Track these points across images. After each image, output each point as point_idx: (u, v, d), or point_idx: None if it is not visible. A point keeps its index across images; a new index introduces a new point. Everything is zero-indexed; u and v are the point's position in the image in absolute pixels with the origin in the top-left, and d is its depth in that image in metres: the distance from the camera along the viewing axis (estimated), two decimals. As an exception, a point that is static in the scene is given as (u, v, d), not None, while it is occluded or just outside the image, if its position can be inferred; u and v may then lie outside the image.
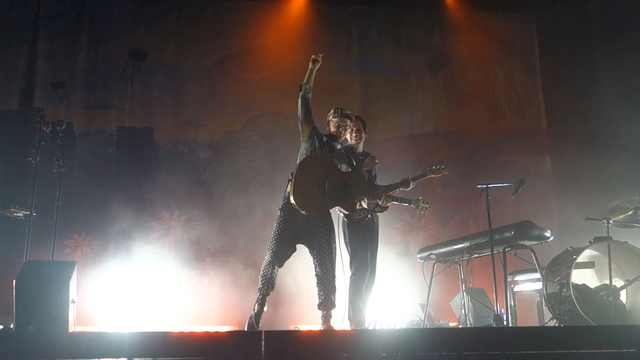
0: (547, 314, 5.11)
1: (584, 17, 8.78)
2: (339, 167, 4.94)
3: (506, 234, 5.13)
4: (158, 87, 8.36)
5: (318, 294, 4.69)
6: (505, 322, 5.03)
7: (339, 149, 5.05)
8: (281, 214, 4.76)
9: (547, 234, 5.13)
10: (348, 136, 5.22)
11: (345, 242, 5.09)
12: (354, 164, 5.13)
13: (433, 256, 6.06)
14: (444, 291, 6.82)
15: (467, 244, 5.55)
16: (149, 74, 8.36)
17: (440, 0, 8.78)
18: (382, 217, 7.82)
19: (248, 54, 8.49)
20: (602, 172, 7.69)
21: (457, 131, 8.69)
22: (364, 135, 5.32)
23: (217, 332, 5.18)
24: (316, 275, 4.71)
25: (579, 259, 4.83)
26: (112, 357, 3.38)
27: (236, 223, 7.88)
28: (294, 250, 4.82)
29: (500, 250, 5.17)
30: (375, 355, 3.35)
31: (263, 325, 4.59)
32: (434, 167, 5.47)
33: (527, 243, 5.15)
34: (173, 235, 7.88)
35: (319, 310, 4.70)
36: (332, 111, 5.13)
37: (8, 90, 8.03)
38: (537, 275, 5.18)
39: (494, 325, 4.82)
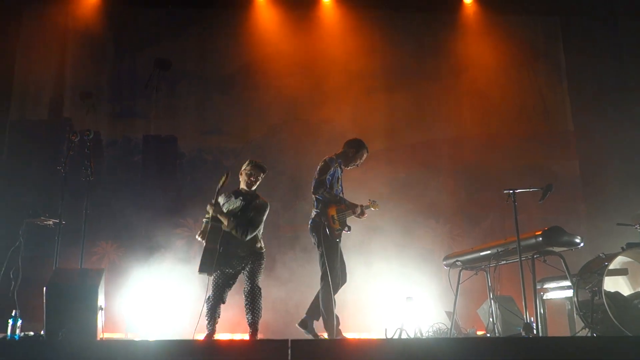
0: (579, 323, 5.00)
1: (610, 17, 8.64)
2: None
3: (534, 241, 5.03)
4: (182, 96, 8.46)
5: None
6: (535, 331, 4.93)
7: None
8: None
9: (577, 240, 5.02)
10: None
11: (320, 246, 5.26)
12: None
13: (459, 263, 5.98)
14: (471, 299, 6.74)
15: (494, 250, 5.46)
16: (174, 82, 8.47)
17: (461, 4, 8.72)
18: (406, 224, 7.86)
19: (270, 62, 8.53)
20: (632, 175, 7.53)
21: (482, 136, 8.59)
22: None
23: (243, 340, 5.20)
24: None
25: (611, 266, 4.71)
26: (140, 365, 3.40)
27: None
28: None
29: (529, 257, 5.08)
30: (403, 364, 3.32)
31: (288, 334, 4.58)
32: (372, 201, 5.71)
33: (556, 249, 5.05)
34: (198, 242, 7.89)
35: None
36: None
37: (38, 101, 8.22)
38: (568, 283, 5.07)
39: (523, 334, 4.72)
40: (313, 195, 5.37)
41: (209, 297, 5.19)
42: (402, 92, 8.60)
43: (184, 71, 8.55)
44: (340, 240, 5.33)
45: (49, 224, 5.42)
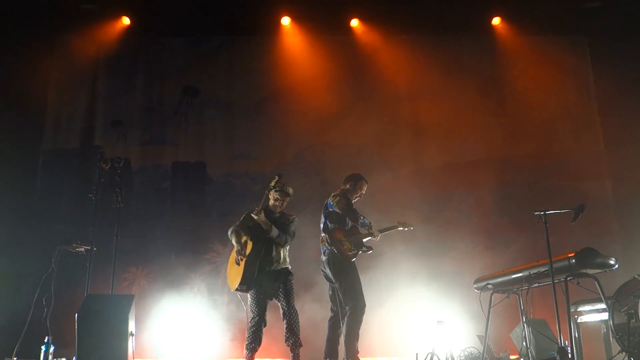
0: (615, 347, 4.84)
1: (638, 35, 8.51)
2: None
3: (567, 263, 4.92)
4: (210, 122, 8.60)
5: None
6: (570, 356, 4.80)
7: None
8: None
9: (612, 261, 4.90)
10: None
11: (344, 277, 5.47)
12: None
13: (490, 286, 5.87)
14: (503, 322, 6.60)
15: (526, 273, 5.35)
16: (202, 109, 8.62)
17: (488, 25, 8.70)
18: (435, 246, 7.78)
19: (298, 87, 8.62)
20: (667, 195, 7.34)
21: (511, 157, 8.49)
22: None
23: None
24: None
25: (648, 288, 4.57)
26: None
27: (290, 255, 7.87)
28: None
29: (562, 280, 4.97)
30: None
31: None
32: (404, 222, 6.02)
33: (590, 271, 4.93)
34: (226, 266, 7.94)
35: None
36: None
37: (70, 130, 8.45)
38: (603, 306, 4.93)
39: (558, 358, 4.60)
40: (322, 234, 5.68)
41: (253, 317, 5.28)
42: (429, 114, 8.57)
43: (212, 98, 8.70)
44: (354, 260, 5.56)
45: (81, 251, 5.52)
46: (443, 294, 7.37)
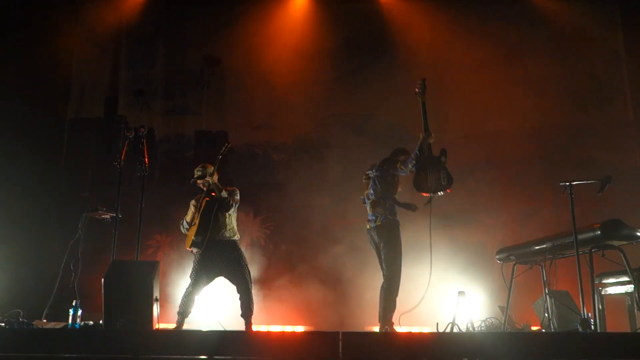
0: (640, 319, 4.81)
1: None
2: None
3: (592, 234, 4.85)
4: (231, 92, 8.60)
5: None
6: (593, 327, 4.77)
7: None
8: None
9: (638, 233, 4.82)
10: None
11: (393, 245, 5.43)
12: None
13: (513, 257, 5.83)
14: (525, 294, 6.55)
15: (549, 244, 5.30)
16: (223, 79, 8.62)
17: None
18: (457, 217, 7.73)
19: (319, 56, 8.55)
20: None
21: (536, 127, 8.34)
22: None
23: (294, 333, 5.24)
24: None
25: (674, 260, 4.51)
26: (194, 355, 3.48)
27: (310, 224, 7.93)
28: None
29: (586, 251, 4.91)
30: (456, 359, 3.27)
31: (338, 327, 4.60)
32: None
33: (616, 243, 4.86)
34: (249, 236, 8.04)
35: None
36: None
37: (95, 100, 8.54)
38: (627, 278, 4.88)
39: (580, 330, 4.58)
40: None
41: (189, 285, 5.69)
42: (452, 84, 8.40)
43: (232, 67, 8.68)
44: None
45: (107, 218, 5.59)
46: (465, 265, 7.35)
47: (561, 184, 5.04)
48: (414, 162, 5.34)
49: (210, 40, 8.73)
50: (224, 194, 5.73)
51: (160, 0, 8.66)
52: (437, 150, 5.43)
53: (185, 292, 5.65)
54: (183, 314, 5.59)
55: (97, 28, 8.68)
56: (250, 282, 5.75)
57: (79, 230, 5.40)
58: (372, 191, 5.67)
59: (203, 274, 5.66)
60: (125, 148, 5.50)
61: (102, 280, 4.62)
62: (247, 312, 5.57)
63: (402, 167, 5.48)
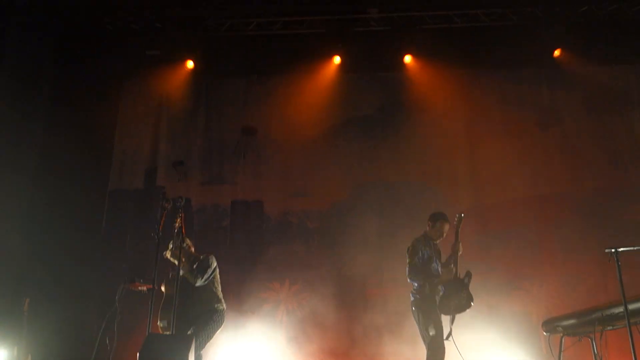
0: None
1: None
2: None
3: (644, 304, 4.63)
4: (267, 160, 8.72)
5: None
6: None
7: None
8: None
9: (694, 303, 4.57)
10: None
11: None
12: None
13: (560, 328, 5.58)
14: (575, 368, 6.22)
15: (598, 314, 5.07)
16: (259, 148, 8.76)
17: (548, 56, 8.49)
18: (497, 284, 7.49)
19: (353, 123, 8.68)
20: None
21: (576, 191, 8.14)
22: None
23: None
24: None
25: None
26: None
27: (347, 293, 7.79)
28: None
29: (639, 322, 4.66)
30: None
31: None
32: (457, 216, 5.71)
33: (670, 314, 4.61)
34: (284, 306, 7.94)
35: None
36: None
37: (134, 171, 8.75)
38: (686, 351, 4.58)
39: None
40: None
41: None
42: (486, 150, 8.35)
43: (269, 136, 8.83)
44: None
45: (144, 290, 5.61)
46: (507, 335, 7.05)
47: (606, 250, 4.85)
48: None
49: (247, 111, 8.95)
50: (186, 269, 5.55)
51: (200, 73, 8.95)
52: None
53: None
54: None
55: (138, 101, 9.01)
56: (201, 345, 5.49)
57: (116, 303, 5.42)
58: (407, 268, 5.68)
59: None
60: (163, 219, 5.57)
61: (138, 354, 4.57)
62: None
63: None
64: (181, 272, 5.45)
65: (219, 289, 5.90)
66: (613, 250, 4.81)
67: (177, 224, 5.34)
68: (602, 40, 8.18)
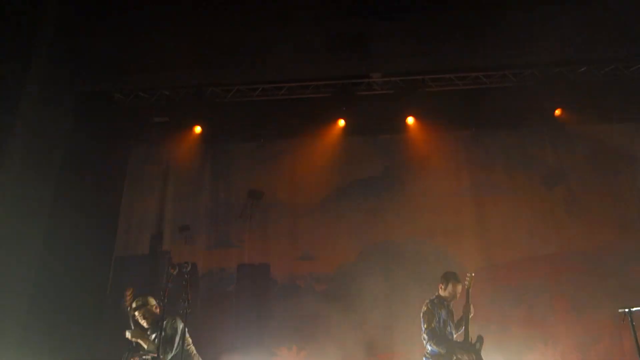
0: None
1: None
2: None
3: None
4: (274, 223, 8.72)
5: None
6: None
7: None
8: None
9: None
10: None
11: None
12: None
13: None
14: None
15: (615, 377, 4.90)
16: (266, 211, 8.79)
17: (549, 115, 8.60)
18: (510, 347, 7.30)
19: (358, 186, 8.73)
20: None
21: (586, 248, 8.06)
22: None
23: None
24: None
25: None
26: None
27: (357, 359, 7.60)
28: None
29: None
30: None
31: None
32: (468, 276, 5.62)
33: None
34: (291, 371, 7.75)
35: None
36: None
37: (140, 237, 8.76)
38: None
39: None
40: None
41: None
42: (493, 208, 8.39)
43: (275, 199, 8.86)
44: None
45: (147, 359, 5.48)
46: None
47: (620, 310, 4.76)
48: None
49: (253, 174, 9.04)
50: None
51: (207, 138, 9.09)
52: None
53: None
54: None
55: (146, 166, 9.14)
56: None
57: (121, 374, 5.30)
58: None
59: None
60: (168, 285, 5.51)
61: None
62: None
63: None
64: (146, 346, 5.34)
65: (192, 347, 5.71)
66: (627, 310, 4.72)
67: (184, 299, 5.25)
68: (602, 100, 8.30)
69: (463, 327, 5.45)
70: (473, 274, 5.55)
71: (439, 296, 5.63)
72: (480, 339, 5.39)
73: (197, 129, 8.94)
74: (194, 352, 5.65)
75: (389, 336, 7.55)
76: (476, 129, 8.80)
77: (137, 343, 5.55)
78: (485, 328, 5.77)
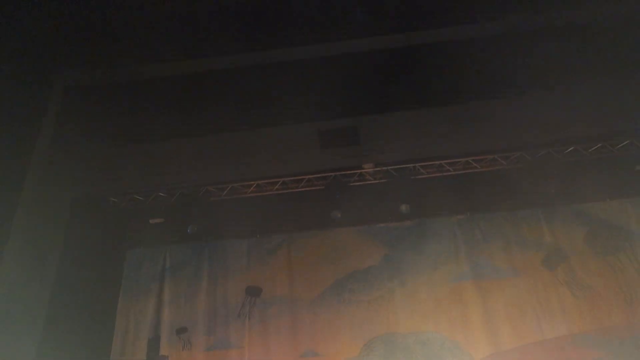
0: None
1: None
2: None
3: None
4: (274, 321, 8.49)
5: None
6: None
7: None
8: None
9: None
10: None
11: None
12: None
13: None
14: None
15: None
16: (265, 308, 8.58)
17: (542, 195, 8.63)
18: None
19: (358, 277, 8.61)
20: None
21: (594, 330, 7.83)
22: None
23: None
24: None
25: None
26: None
27: None
28: None
29: None
30: None
31: None
32: None
33: None
34: None
35: None
36: None
37: (137, 342, 8.49)
38: None
39: None
40: None
41: None
42: (496, 292, 8.22)
43: (274, 295, 8.69)
44: None
45: None
46: None
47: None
48: None
49: (251, 271, 8.91)
50: None
51: (203, 237, 9.07)
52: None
53: None
54: None
55: (141, 269, 9.04)
56: None
57: None
58: None
59: None
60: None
61: None
62: None
63: None
64: None
65: None
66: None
67: None
68: (593, 178, 8.39)
69: None
70: None
71: None
72: None
73: (192, 228, 8.93)
74: None
75: None
76: (471, 212, 8.82)
77: None
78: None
